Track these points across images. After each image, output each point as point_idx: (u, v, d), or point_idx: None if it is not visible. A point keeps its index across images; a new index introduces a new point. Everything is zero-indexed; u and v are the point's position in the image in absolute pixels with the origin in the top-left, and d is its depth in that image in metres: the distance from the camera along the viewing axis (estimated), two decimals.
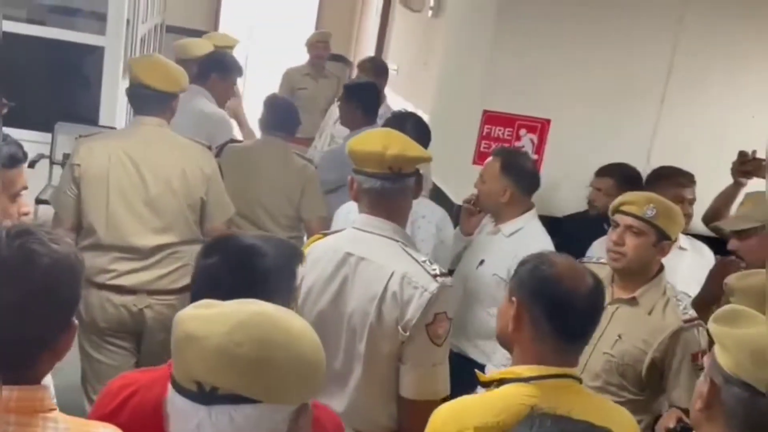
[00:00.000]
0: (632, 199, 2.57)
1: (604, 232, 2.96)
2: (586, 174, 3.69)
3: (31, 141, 5.71)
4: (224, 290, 1.37)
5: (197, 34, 8.59)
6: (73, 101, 6.06)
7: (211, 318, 1.18)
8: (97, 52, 5.83)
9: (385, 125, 3.15)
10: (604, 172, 3.51)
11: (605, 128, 3.80)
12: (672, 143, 3.78)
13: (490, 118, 3.73)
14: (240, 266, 1.66)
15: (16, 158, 1.73)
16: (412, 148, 2.26)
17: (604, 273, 2.49)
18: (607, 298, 2.29)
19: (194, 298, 1.46)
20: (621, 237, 2.54)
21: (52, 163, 5.78)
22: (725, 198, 3.39)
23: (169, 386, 1.20)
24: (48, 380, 1.39)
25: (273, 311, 1.22)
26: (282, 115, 3.79)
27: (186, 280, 2.86)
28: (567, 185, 3.72)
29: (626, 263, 2.54)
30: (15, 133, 5.35)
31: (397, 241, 2.23)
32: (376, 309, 2.14)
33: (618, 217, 2.57)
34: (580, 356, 1.85)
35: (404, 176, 2.24)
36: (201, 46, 4.72)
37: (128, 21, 6.04)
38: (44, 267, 1.31)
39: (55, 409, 1.35)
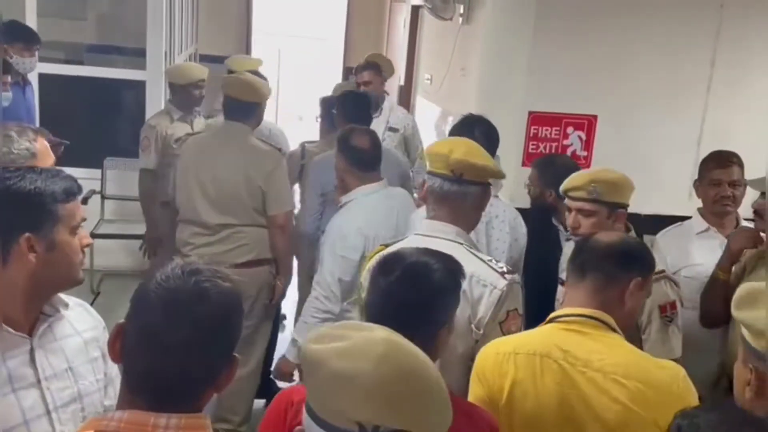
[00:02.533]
0: (576, 184, 2.63)
1: None
2: (637, 167, 3.67)
3: (82, 178, 5.81)
4: (398, 306, 1.61)
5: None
6: (120, 136, 6.20)
7: (350, 353, 1.21)
8: (138, 86, 5.95)
9: (452, 131, 3.17)
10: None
11: (653, 120, 3.79)
12: (721, 131, 3.76)
13: (537, 118, 3.75)
14: (415, 283, 1.76)
15: (71, 191, 1.74)
16: (478, 157, 2.28)
17: None
18: None
19: (369, 311, 1.71)
20: (576, 220, 2.63)
21: (103, 197, 5.91)
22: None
23: (307, 417, 1.23)
24: None
25: (397, 337, 1.27)
26: (244, 102, 3.78)
27: (247, 257, 3.60)
28: None
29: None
30: (66, 171, 5.50)
31: (461, 243, 2.26)
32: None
33: (568, 202, 2.64)
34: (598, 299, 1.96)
35: (466, 182, 2.27)
36: (194, 72, 4.83)
37: (165, 53, 6.17)
38: (215, 305, 1.34)
39: None
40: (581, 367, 1.86)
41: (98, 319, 1.96)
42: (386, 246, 2.39)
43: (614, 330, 1.93)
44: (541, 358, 1.91)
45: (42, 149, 2.34)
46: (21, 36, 4.67)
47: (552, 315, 2.01)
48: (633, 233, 2.68)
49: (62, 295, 1.85)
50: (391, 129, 5.22)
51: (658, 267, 2.83)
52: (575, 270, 2.03)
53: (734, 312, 1.57)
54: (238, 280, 1.43)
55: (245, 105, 3.73)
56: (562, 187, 2.69)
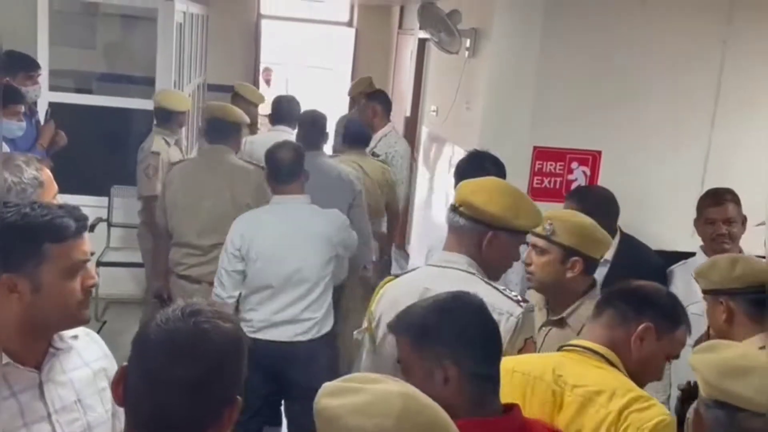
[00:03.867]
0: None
1: None
2: (641, 202, 3.71)
3: (89, 206, 5.88)
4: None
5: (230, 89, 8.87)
6: (127, 164, 6.25)
7: (368, 410, 1.22)
8: (146, 115, 6.00)
9: (460, 165, 3.23)
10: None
11: (657, 157, 3.82)
12: (724, 168, 3.78)
13: (541, 153, 3.78)
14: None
15: (65, 231, 1.65)
16: (480, 198, 2.24)
17: (537, 297, 2.57)
18: (539, 321, 2.46)
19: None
20: (529, 255, 2.56)
21: (110, 225, 5.94)
22: None
23: None
24: None
25: (412, 390, 1.28)
26: (224, 125, 4.17)
27: None
28: (622, 214, 3.71)
29: (536, 282, 2.54)
30: (73, 199, 5.52)
31: (473, 273, 2.24)
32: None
33: (529, 236, 2.52)
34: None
35: (473, 219, 2.26)
36: (186, 99, 5.09)
37: (174, 83, 6.24)
38: (215, 346, 1.34)
39: None
40: (568, 391, 1.88)
41: (105, 349, 1.96)
42: (396, 276, 2.40)
43: (615, 366, 1.93)
44: (534, 378, 1.93)
45: (47, 179, 2.37)
46: (21, 65, 4.70)
47: (563, 344, 2.04)
48: (597, 291, 2.52)
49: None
50: (374, 154, 5.46)
51: None
52: (597, 305, 2.05)
53: (690, 356, 1.57)
54: (235, 319, 1.44)
55: (227, 126, 4.11)
56: None
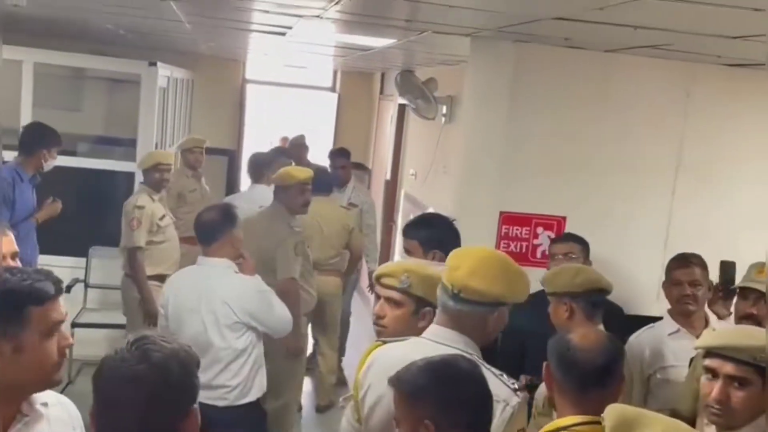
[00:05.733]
0: (389, 271, 2.55)
1: None
2: (605, 267, 3.78)
3: (67, 266, 5.91)
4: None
5: (222, 153, 8.99)
6: (106, 225, 6.30)
7: None
8: (127, 176, 6.09)
9: (409, 226, 3.29)
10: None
11: (620, 221, 3.91)
12: (687, 233, 3.88)
13: (508, 218, 3.86)
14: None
15: (45, 295, 1.72)
16: (480, 282, 2.22)
17: None
18: None
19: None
20: (382, 308, 2.53)
21: (87, 286, 5.96)
22: None
23: None
24: None
25: None
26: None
27: None
28: None
29: (388, 334, 2.50)
30: (52, 259, 5.56)
31: (471, 354, 2.19)
32: None
33: (378, 289, 2.56)
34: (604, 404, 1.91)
35: (476, 303, 2.22)
36: (168, 157, 5.40)
37: (156, 145, 6.34)
38: (156, 361, 1.46)
39: None
40: None
41: (77, 419, 1.96)
42: (384, 342, 2.36)
43: None
44: None
45: (8, 241, 2.45)
46: (56, 141, 5.04)
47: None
48: None
49: (42, 393, 1.85)
50: (351, 204, 6.23)
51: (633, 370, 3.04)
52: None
53: None
54: (183, 343, 1.55)
55: None
56: (375, 274, 2.62)
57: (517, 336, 3.06)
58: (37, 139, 4.92)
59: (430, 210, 5.69)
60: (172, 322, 3.52)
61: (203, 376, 3.50)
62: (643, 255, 3.79)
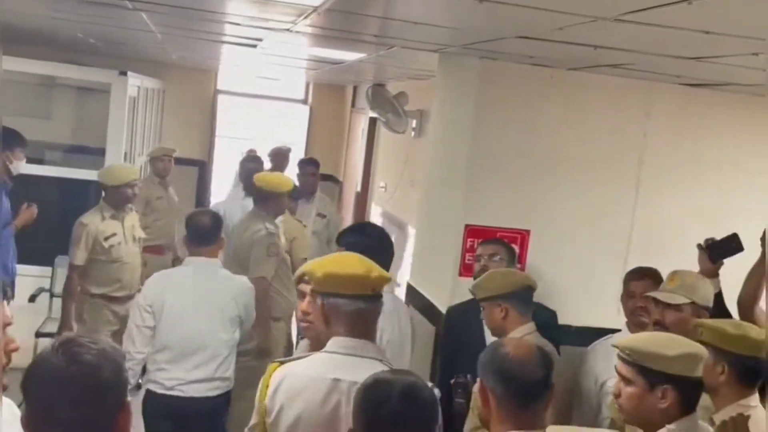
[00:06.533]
0: (306, 271, 2.59)
1: None
2: (568, 279, 3.86)
3: (32, 276, 5.86)
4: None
5: (192, 163, 8.98)
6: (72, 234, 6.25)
7: None
8: (95, 186, 6.05)
9: (342, 234, 3.35)
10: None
11: (583, 235, 3.98)
12: (646, 247, 3.96)
13: (472, 231, 3.91)
14: (418, 404, 1.86)
15: None
16: (384, 270, 2.37)
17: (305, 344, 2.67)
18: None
19: None
20: (308, 305, 2.52)
21: (52, 296, 5.90)
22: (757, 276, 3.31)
23: None
24: None
25: None
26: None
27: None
28: (549, 291, 3.85)
29: (314, 331, 2.51)
30: (17, 268, 5.51)
31: (381, 360, 2.26)
32: None
33: (301, 287, 2.57)
34: (541, 418, 2.06)
35: (380, 297, 2.34)
36: (125, 173, 5.13)
37: (125, 154, 6.33)
38: (85, 362, 1.48)
39: None
40: None
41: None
42: (281, 363, 2.32)
43: None
44: None
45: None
46: (18, 141, 4.96)
47: None
48: None
49: None
50: (320, 215, 6.37)
51: (588, 380, 3.07)
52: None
53: None
54: (109, 342, 1.58)
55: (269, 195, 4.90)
56: (297, 273, 2.58)
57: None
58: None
59: (409, 226, 5.75)
60: (166, 320, 3.67)
61: (203, 371, 3.65)
62: (605, 267, 3.86)
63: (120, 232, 5.00)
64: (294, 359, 2.35)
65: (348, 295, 2.27)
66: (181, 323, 3.67)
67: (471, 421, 2.85)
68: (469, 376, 2.94)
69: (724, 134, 4.10)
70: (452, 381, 3.10)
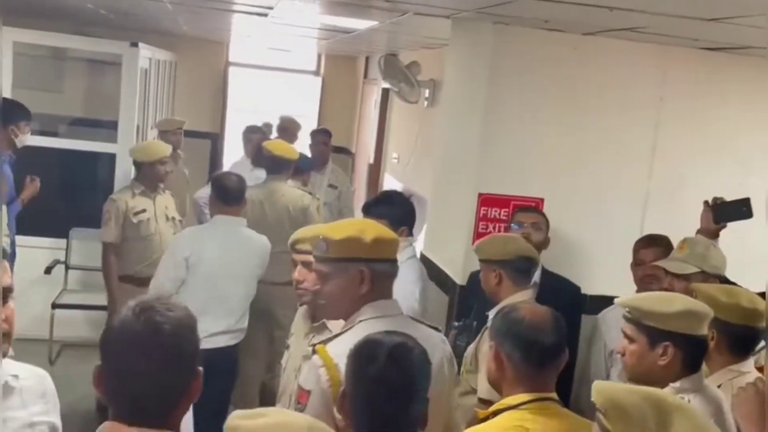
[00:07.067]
0: (303, 237, 2.73)
1: None
2: (582, 248, 3.83)
3: (47, 248, 5.90)
4: (390, 391, 1.80)
5: (205, 136, 8.97)
6: (87, 207, 6.27)
7: (278, 426, 1.32)
8: (109, 158, 6.07)
9: (373, 205, 3.38)
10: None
11: (597, 203, 3.95)
12: (663, 217, 3.92)
13: (486, 200, 3.89)
14: (404, 365, 1.84)
15: None
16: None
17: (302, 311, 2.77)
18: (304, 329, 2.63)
19: (358, 403, 1.81)
20: (300, 273, 2.69)
21: (67, 267, 5.94)
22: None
23: None
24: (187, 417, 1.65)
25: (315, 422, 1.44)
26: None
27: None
28: (565, 259, 3.83)
29: (311, 298, 2.59)
30: (31, 240, 5.56)
31: (404, 314, 2.35)
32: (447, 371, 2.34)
33: (294, 256, 2.66)
34: (553, 381, 2.11)
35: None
36: (159, 149, 5.09)
37: (138, 127, 6.32)
38: (168, 333, 1.53)
39: None
40: None
41: (51, 393, 1.98)
42: (324, 343, 2.23)
43: None
44: None
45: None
46: (23, 114, 4.95)
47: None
48: None
49: (13, 365, 1.86)
50: (331, 186, 6.34)
51: (597, 348, 3.07)
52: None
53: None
54: (182, 306, 1.61)
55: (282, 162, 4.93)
56: (290, 240, 2.81)
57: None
58: (4, 114, 4.78)
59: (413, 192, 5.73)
60: (199, 274, 3.87)
61: (225, 322, 3.84)
62: (620, 235, 3.82)
63: (150, 209, 4.94)
64: (334, 337, 2.27)
65: (387, 259, 2.30)
66: (210, 277, 3.88)
67: (462, 386, 2.88)
68: (469, 320, 3.08)
69: (739, 98, 4.04)
70: (454, 324, 3.22)
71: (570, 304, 3.41)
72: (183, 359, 1.56)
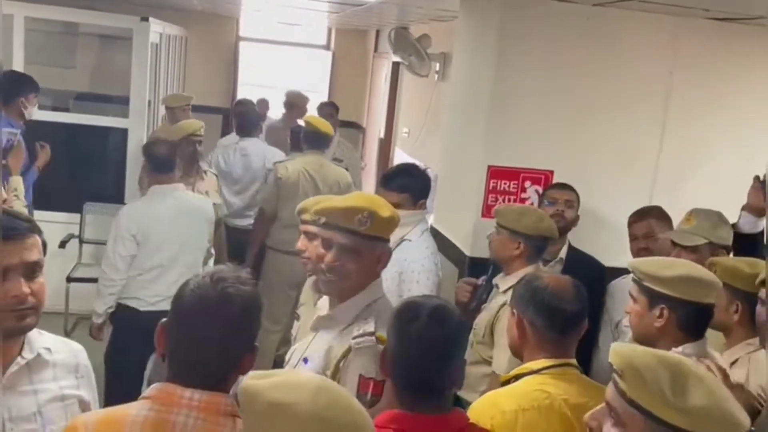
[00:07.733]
0: (306, 207, 2.79)
1: None
2: (592, 219, 3.84)
3: (61, 222, 5.96)
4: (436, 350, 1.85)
5: (216, 111, 8.99)
6: (100, 182, 6.33)
7: (287, 385, 1.33)
8: (120, 133, 6.10)
9: (393, 178, 3.41)
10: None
11: (607, 175, 3.95)
12: (671, 188, 3.92)
13: (495, 172, 3.90)
14: (446, 324, 1.90)
15: (8, 232, 1.69)
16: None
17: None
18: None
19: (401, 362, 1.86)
20: (303, 243, 2.77)
21: (81, 242, 6.00)
22: None
23: None
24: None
25: (326, 380, 1.46)
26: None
27: None
28: (573, 231, 3.83)
29: (312, 267, 2.63)
30: (45, 215, 5.60)
31: None
32: None
33: (308, 227, 2.70)
34: (573, 347, 2.19)
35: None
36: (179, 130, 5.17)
37: (149, 102, 6.34)
38: (239, 307, 1.62)
39: (238, 416, 1.58)
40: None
41: (84, 367, 1.98)
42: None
43: None
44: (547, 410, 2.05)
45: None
46: (32, 87, 4.99)
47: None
48: None
49: (48, 338, 1.88)
50: (336, 159, 6.31)
51: (604, 319, 3.12)
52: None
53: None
54: (252, 282, 1.68)
55: (321, 137, 5.16)
56: (297, 209, 2.88)
57: None
58: (12, 87, 4.81)
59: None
60: (149, 246, 3.94)
61: (172, 289, 3.82)
62: (629, 206, 3.80)
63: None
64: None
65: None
66: (161, 247, 3.96)
67: (471, 355, 2.91)
68: (482, 278, 3.16)
69: (751, 70, 4.02)
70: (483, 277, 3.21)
71: (595, 279, 3.41)
72: (246, 332, 1.64)
